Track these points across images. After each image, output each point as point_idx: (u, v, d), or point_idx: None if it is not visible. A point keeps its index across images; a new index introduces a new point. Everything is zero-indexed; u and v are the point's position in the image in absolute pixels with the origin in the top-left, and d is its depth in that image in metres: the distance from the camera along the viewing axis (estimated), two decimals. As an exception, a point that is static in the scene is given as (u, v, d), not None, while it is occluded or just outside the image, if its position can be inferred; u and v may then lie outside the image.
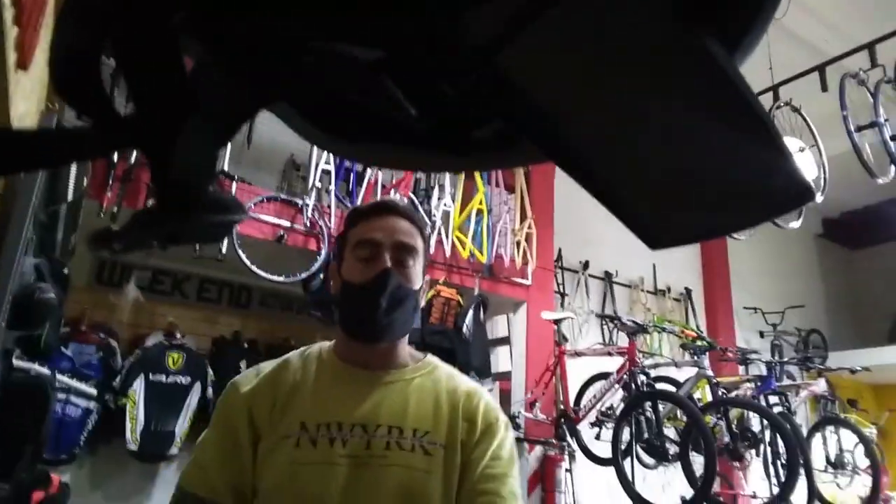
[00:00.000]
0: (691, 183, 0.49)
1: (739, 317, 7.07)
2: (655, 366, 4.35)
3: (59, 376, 3.09)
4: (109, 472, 3.93)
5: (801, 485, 3.55)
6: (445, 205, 4.47)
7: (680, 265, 6.83)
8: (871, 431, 5.05)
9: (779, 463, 4.11)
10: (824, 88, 4.22)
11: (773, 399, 4.46)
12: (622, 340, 4.73)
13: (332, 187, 4.09)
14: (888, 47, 4.02)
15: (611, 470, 3.85)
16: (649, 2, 0.37)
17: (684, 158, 0.47)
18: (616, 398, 4.23)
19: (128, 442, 3.68)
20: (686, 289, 6.79)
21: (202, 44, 0.43)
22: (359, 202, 4.18)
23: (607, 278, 6.21)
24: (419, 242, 1.08)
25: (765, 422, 4.07)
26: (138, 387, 3.78)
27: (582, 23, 0.39)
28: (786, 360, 5.49)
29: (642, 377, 3.98)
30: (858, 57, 4.16)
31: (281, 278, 3.75)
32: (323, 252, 3.86)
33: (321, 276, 3.82)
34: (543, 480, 4.30)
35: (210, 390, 3.99)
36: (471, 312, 4.20)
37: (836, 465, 4.70)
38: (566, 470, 4.25)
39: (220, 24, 0.42)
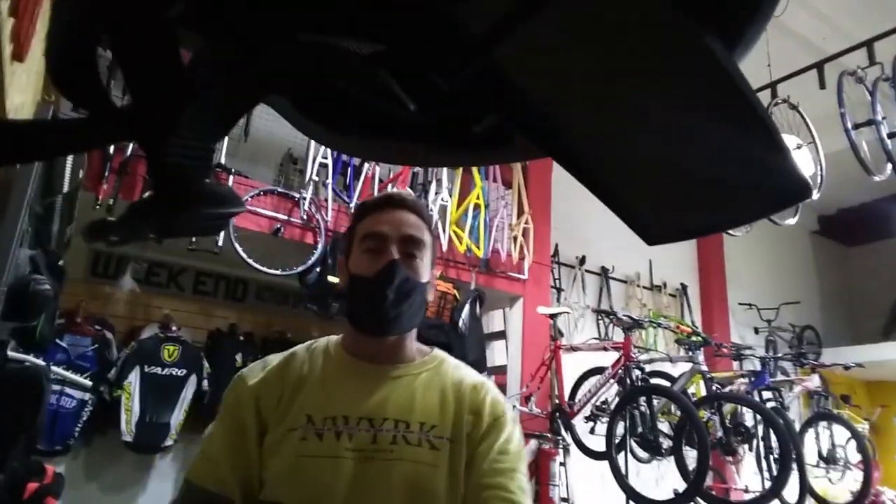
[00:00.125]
0: (689, 179, 0.49)
1: (734, 313, 7.10)
2: (650, 361, 4.36)
3: (54, 368, 3.09)
4: (104, 463, 3.94)
5: (794, 479, 3.57)
6: (442, 199, 4.47)
7: (676, 261, 6.84)
8: (863, 427, 5.09)
9: (771, 458, 4.13)
10: (822, 86, 4.23)
11: (767, 394, 4.49)
12: (617, 336, 4.73)
13: (330, 181, 4.08)
14: (886, 45, 4.03)
15: (605, 464, 3.87)
16: None
17: (682, 155, 0.47)
18: (611, 393, 4.24)
19: (123, 433, 3.69)
20: (682, 284, 6.81)
21: (199, 36, 0.43)
22: (356, 196, 4.18)
23: (603, 274, 6.22)
24: (427, 236, 1.08)
25: (758, 417, 4.09)
26: (134, 379, 3.78)
27: (580, 19, 0.39)
28: (780, 355, 5.51)
29: (637, 372, 3.99)
30: (857, 55, 4.16)
31: (277, 272, 3.74)
32: (320, 246, 3.86)
33: (318, 269, 3.82)
34: (538, 474, 4.31)
35: (205, 383, 4.00)
36: (467, 307, 4.20)
37: (829, 460, 4.73)
38: (560, 463, 4.26)
39: (216, 16, 0.41)
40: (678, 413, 3.77)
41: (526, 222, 4.94)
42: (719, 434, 3.99)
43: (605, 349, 4.41)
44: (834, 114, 3.96)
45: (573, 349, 4.62)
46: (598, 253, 6.14)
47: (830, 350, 6.99)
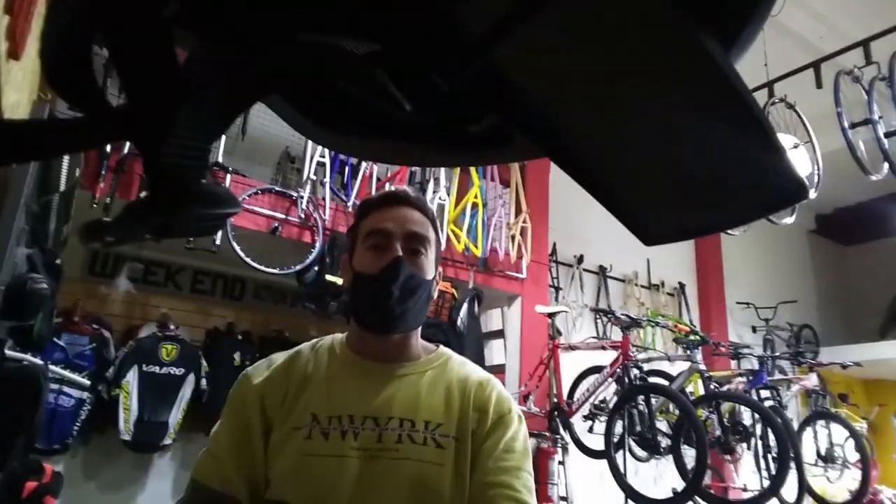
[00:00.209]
0: (686, 179, 0.49)
1: (732, 312, 7.11)
2: (648, 360, 4.36)
3: (52, 367, 3.08)
4: (103, 462, 3.93)
5: (792, 478, 3.57)
6: (440, 198, 4.47)
7: (674, 260, 6.85)
8: (861, 426, 5.10)
9: (769, 456, 4.14)
10: (819, 85, 4.23)
11: (765, 393, 4.49)
12: (616, 334, 4.75)
13: (327, 180, 4.08)
14: (883, 45, 4.03)
15: (603, 462, 3.87)
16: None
17: (680, 155, 0.47)
18: (609, 391, 4.25)
19: (121, 432, 3.68)
20: (680, 283, 6.82)
21: (195, 35, 0.42)
22: (353, 195, 4.17)
23: (601, 273, 6.23)
24: (430, 232, 1.07)
25: (756, 416, 4.10)
26: (132, 378, 3.78)
27: (580, 19, 0.39)
28: (777, 354, 5.52)
29: (635, 371, 4.00)
30: (853, 54, 4.16)
31: (275, 271, 3.74)
32: (317, 244, 3.85)
33: (315, 268, 3.82)
34: (536, 472, 4.31)
35: (204, 382, 4.00)
36: (465, 306, 4.21)
37: (827, 458, 4.74)
38: (559, 462, 4.27)
39: (212, 15, 0.41)
40: (676, 412, 3.78)
41: (524, 221, 4.94)
42: (717, 433, 4.00)
43: (603, 348, 4.42)
44: (831, 113, 3.96)
45: (571, 348, 4.62)
46: (597, 252, 6.14)
47: (828, 349, 7.00)
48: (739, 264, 7.35)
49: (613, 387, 4.17)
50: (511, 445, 0.99)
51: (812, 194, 4.50)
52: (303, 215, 3.93)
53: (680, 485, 3.60)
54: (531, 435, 4.38)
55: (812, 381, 4.81)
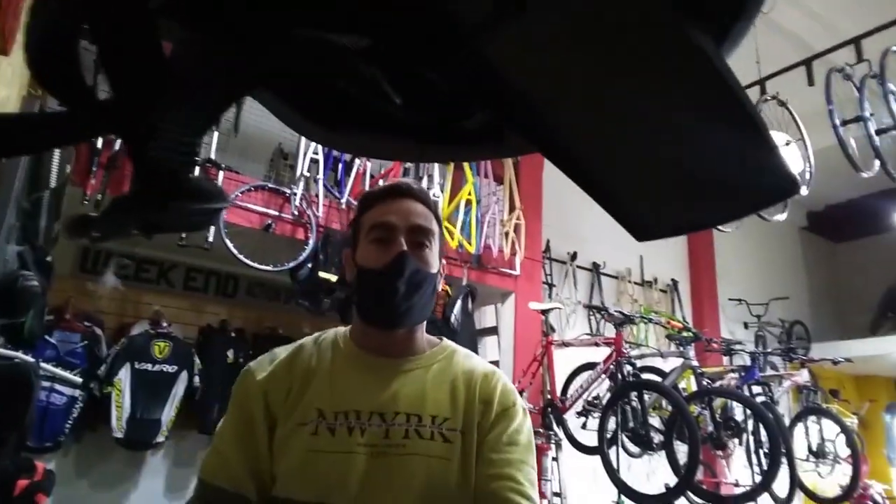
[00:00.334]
0: (679, 176, 0.49)
1: (724, 308, 7.14)
2: (641, 356, 4.38)
3: (43, 364, 3.06)
4: (95, 459, 3.92)
5: (783, 473, 3.60)
6: (434, 195, 4.46)
7: (667, 257, 6.88)
8: (851, 421, 5.13)
9: (761, 452, 4.16)
10: (811, 83, 4.25)
11: (757, 389, 4.51)
12: (609, 331, 4.75)
13: (321, 176, 4.06)
14: (874, 42, 4.05)
15: (596, 458, 3.88)
16: None
17: (672, 152, 0.47)
18: (602, 388, 4.26)
19: (113, 430, 3.67)
20: (672, 280, 6.85)
21: (183, 26, 0.42)
22: (347, 192, 4.16)
23: (595, 269, 6.24)
24: (434, 225, 1.05)
25: (748, 411, 4.13)
26: (124, 375, 3.76)
27: (572, 16, 0.39)
28: (769, 350, 5.57)
29: (628, 367, 4.01)
30: (845, 52, 4.18)
31: (268, 268, 3.73)
32: (311, 241, 3.84)
33: (309, 265, 3.80)
34: (530, 469, 4.33)
35: (196, 379, 3.98)
36: (459, 302, 4.20)
37: (818, 454, 4.77)
38: (553, 458, 4.28)
39: (199, 8, 0.41)
40: (669, 408, 3.79)
41: (517, 218, 4.94)
42: (710, 428, 4.02)
43: (596, 344, 4.42)
44: (822, 110, 3.98)
45: (565, 345, 4.63)
46: (590, 249, 6.15)
47: (819, 345, 7.06)
48: (732, 261, 7.38)
49: (607, 383, 4.18)
50: (515, 438, 0.98)
51: (804, 191, 4.53)
52: (296, 212, 3.91)
53: (672, 480, 3.62)
54: (525, 431, 4.41)
55: (803, 377, 4.84)
